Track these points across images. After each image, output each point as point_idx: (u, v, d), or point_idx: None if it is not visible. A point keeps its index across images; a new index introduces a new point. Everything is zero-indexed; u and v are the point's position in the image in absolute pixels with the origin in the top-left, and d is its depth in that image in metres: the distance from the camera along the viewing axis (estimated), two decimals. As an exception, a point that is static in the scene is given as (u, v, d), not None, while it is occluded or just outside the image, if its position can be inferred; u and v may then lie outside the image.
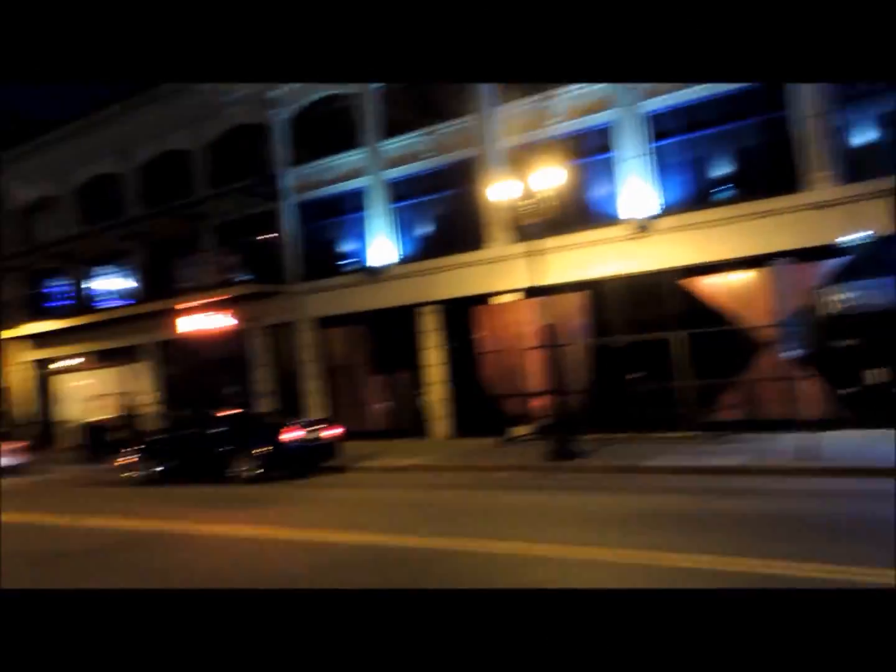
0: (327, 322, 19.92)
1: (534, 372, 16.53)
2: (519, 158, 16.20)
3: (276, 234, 20.65)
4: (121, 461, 15.57)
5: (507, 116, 16.62)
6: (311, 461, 13.88)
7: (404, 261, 18.58)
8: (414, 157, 18.12)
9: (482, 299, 17.22)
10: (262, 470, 13.24)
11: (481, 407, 17.42)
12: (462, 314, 17.54)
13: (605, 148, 15.77)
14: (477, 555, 6.78)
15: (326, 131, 19.68)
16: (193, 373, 23.22)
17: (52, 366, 27.37)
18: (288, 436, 13.46)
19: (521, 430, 16.44)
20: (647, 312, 15.41)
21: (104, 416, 24.14)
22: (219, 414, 15.26)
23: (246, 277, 20.14)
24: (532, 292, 16.18)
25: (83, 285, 26.02)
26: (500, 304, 16.90)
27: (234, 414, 15.46)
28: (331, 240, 20.34)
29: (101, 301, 25.73)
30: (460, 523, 8.40)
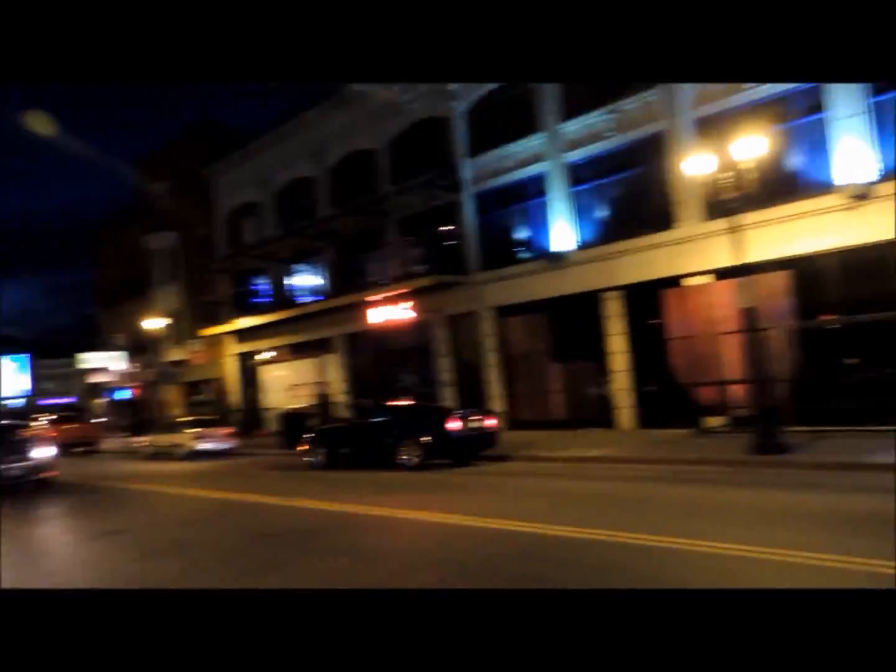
0: (507, 311, 19.86)
1: (729, 359, 15.27)
2: (713, 129, 15.09)
3: (456, 226, 20.95)
4: (300, 448, 16.64)
5: (698, 85, 15.49)
6: (472, 450, 14.18)
7: (586, 245, 18.02)
8: (595, 138, 17.50)
9: (670, 282, 16.21)
10: (425, 458, 13.71)
11: (668, 396, 16.44)
12: (648, 299, 16.65)
13: (815, 108, 14.16)
14: (689, 554, 6.23)
15: (504, 119, 19.62)
16: (379, 363, 24.26)
17: (255, 358, 29.93)
18: (451, 425, 13.78)
19: (714, 422, 15.28)
20: (863, 291, 13.64)
21: (300, 405, 26.01)
22: (388, 404, 16.23)
23: (428, 269, 20.60)
24: (728, 273, 14.99)
25: (280, 284, 28.20)
26: (691, 287, 15.81)
27: (403, 404, 16.41)
28: (510, 228, 20.26)
29: (296, 297, 27.75)
30: (659, 519, 7.84)
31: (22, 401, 59.45)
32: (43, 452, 15.42)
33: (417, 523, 8.78)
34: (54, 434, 29.30)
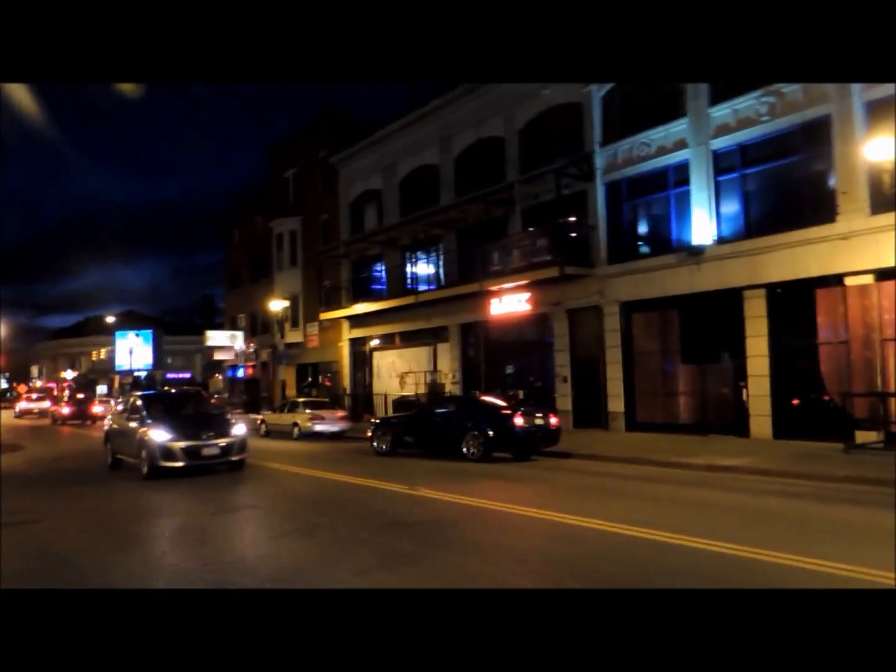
0: (634, 306, 18.87)
1: (892, 369, 13.72)
2: (886, 114, 13.60)
3: (584, 216, 20.14)
4: (367, 434, 17.33)
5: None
6: (534, 446, 14.60)
7: (728, 239, 16.76)
8: (748, 122, 16.22)
9: (824, 281, 14.76)
10: (486, 450, 14.22)
11: (812, 406, 14.99)
12: (796, 299, 15.27)
13: None
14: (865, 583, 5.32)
15: (644, 103, 18.64)
16: (494, 354, 23.79)
17: (368, 343, 30.23)
18: (517, 420, 14.18)
19: (867, 437, 13.74)
20: None
21: (411, 393, 25.98)
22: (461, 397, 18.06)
23: (551, 260, 19.89)
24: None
25: (398, 271, 28.28)
26: (852, 287, 14.29)
27: (472, 398, 17.74)
28: (643, 219, 19.27)
29: (413, 285, 27.76)
30: (809, 540, 6.95)
31: (144, 373, 63.32)
32: (239, 429, 13.63)
33: (543, 522, 8.25)
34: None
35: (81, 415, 37.53)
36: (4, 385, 76.09)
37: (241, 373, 41.71)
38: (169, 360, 71.57)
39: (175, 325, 76.02)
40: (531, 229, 21.52)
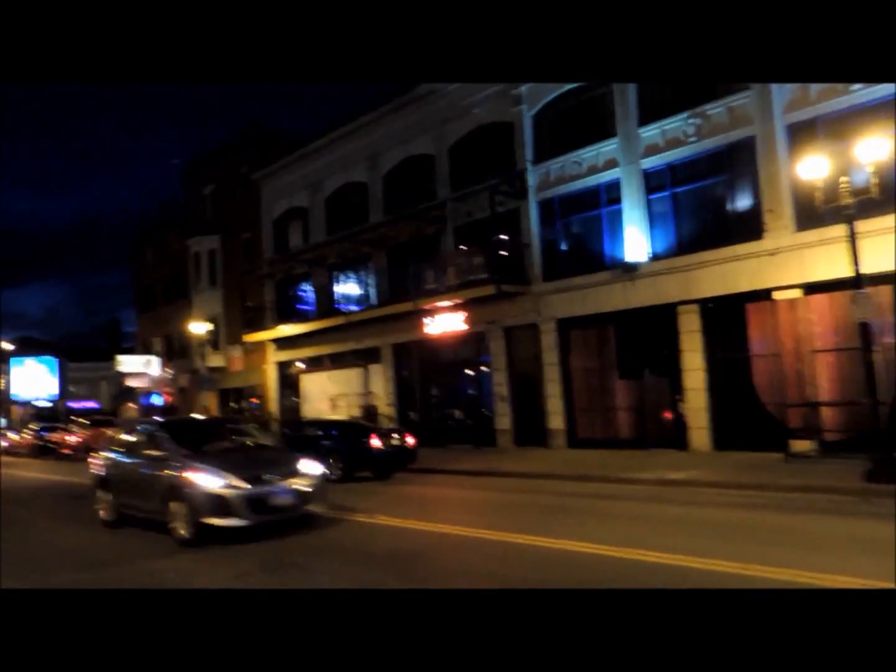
0: (571, 323, 19.00)
1: (822, 379, 14.31)
2: (806, 135, 14.28)
3: (517, 234, 20.20)
4: None
5: (790, 88, 14.66)
6: (392, 465, 15.83)
7: (661, 256, 17.14)
8: (676, 143, 16.70)
9: (755, 296, 15.28)
10: (346, 471, 15.16)
11: (748, 417, 15.44)
12: (729, 314, 15.73)
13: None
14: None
15: (576, 123, 18.91)
16: (429, 374, 23.47)
17: (296, 366, 29.28)
18: (373, 442, 15.42)
19: (801, 446, 14.24)
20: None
21: (346, 416, 25.25)
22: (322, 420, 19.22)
23: (486, 279, 19.82)
24: (822, 287, 14.09)
25: (326, 290, 27.57)
26: (781, 301, 14.85)
27: (341, 421, 19.09)
28: (577, 237, 19.48)
29: (342, 305, 27.11)
30: (797, 551, 7.01)
31: (49, 403, 59.41)
32: (311, 467, 9.86)
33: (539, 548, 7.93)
34: (87, 437, 28.90)
35: None
36: None
37: (157, 400, 39.62)
38: (71, 389, 67.34)
39: (77, 351, 71.51)
40: (465, 247, 21.41)
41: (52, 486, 18.38)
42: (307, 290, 29.06)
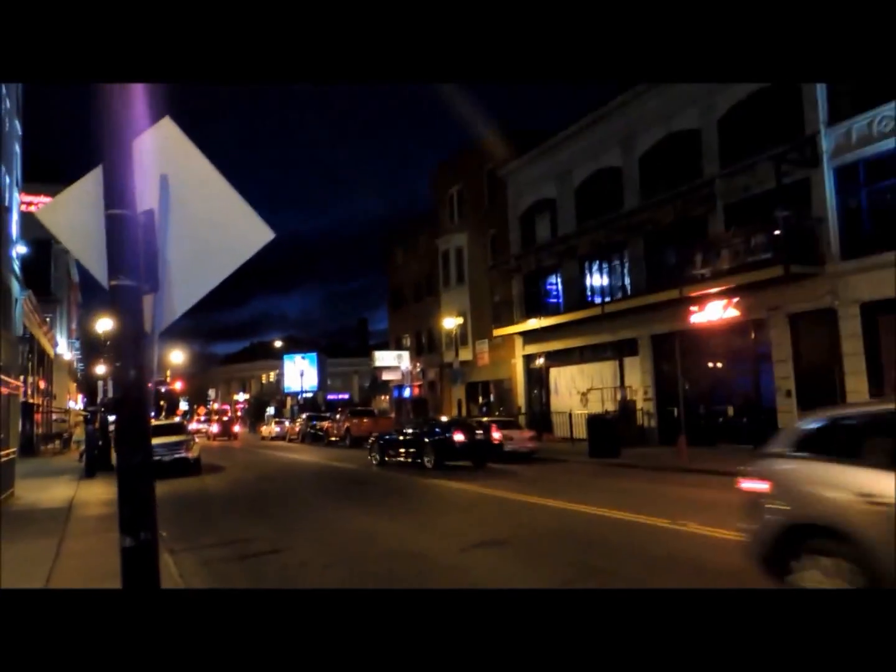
0: (879, 308, 16.26)
1: None
2: None
3: (805, 208, 17.80)
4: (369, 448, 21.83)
5: None
6: (478, 456, 18.41)
7: None
8: None
9: None
10: (437, 461, 18.01)
11: None
12: None
13: None
14: None
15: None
16: (693, 367, 21.72)
17: (544, 359, 29.01)
18: (456, 437, 18.05)
19: None
20: None
21: (599, 411, 24.38)
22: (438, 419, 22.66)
23: (773, 258, 17.69)
24: None
25: (576, 282, 26.89)
26: None
27: (437, 420, 21.79)
28: (889, 206, 16.63)
29: (593, 297, 26.26)
30: None
31: (310, 395, 65.88)
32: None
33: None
34: (357, 426, 31.21)
35: (226, 432, 48.29)
36: (185, 407, 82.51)
37: (406, 392, 41.93)
38: (328, 382, 74.39)
39: (331, 349, 79.07)
40: (736, 228, 19.38)
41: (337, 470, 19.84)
42: (555, 283, 28.66)
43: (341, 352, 77.10)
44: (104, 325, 24.82)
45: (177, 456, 20.84)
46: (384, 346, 45.18)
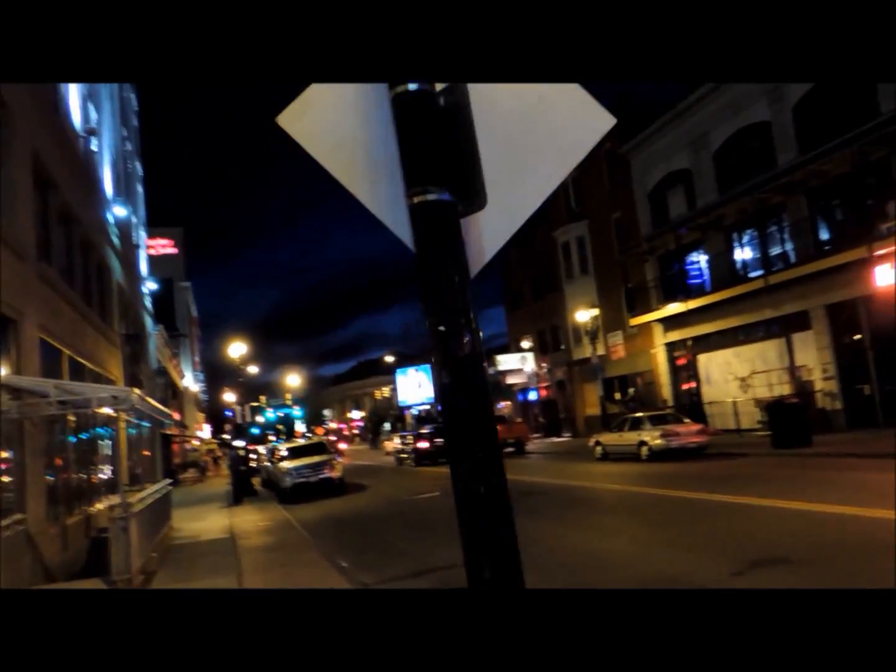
0: None
1: None
2: None
3: None
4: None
5: None
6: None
7: None
8: None
9: None
10: None
11: None
12: None
13: None
14: None
15: None
16: (886, 338, 18.75)
17: (690, 345, 26.50)
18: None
19: None
20: None
21: (769, 396, 21.70)
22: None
23: None
24: None
25: (724, 256, 24.27)
26: None
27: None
28: None
29: (745, 271, 23.60)
30: None
31: (426, 406, 65.23)
32: None
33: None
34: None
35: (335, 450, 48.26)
36: (303, 428, 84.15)
37: (532, 395, 40.09)
38: (440, 392, 73.48)
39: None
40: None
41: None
42: (695, 262, 26.13)
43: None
44: (237, 349, 24.55)
45: (321, 476, 20.12)
46: (499, 350, 43.51)
